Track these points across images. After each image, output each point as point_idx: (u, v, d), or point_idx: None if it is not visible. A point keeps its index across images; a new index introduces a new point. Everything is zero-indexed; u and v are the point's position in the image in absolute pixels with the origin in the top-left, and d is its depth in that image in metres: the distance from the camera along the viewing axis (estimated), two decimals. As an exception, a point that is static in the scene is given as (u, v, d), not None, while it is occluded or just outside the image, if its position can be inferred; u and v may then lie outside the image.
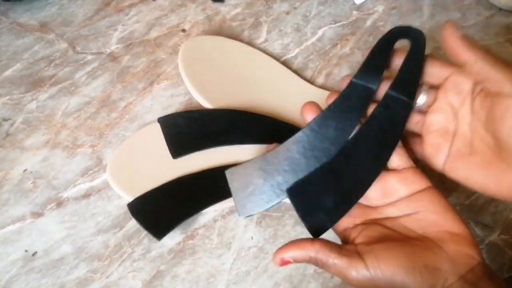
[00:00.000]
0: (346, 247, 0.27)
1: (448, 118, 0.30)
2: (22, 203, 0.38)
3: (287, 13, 0.50)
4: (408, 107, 0.30)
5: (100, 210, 0.38)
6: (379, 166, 0.29)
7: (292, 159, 0.30)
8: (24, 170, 0.39)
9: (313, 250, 0.26)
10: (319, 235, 0.29)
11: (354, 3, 0.51)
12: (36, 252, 0.36)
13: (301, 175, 0.30)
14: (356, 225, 0.29)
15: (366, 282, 0.25)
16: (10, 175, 0.39)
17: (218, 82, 0.43)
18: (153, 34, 0.48)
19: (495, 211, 0.39)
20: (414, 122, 0.32)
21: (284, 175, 0.30)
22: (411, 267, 0.25)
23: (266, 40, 0.48)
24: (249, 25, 0.49)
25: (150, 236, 0.36)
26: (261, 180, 0.30)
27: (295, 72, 0.45)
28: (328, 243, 0.26)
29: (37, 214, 0.38)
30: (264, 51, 0.46)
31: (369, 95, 0.31)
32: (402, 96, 0.30)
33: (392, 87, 0.31)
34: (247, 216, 0.30)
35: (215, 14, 0.49)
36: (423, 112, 0.31)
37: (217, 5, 0.50)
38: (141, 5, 0.50)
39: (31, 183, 0.39)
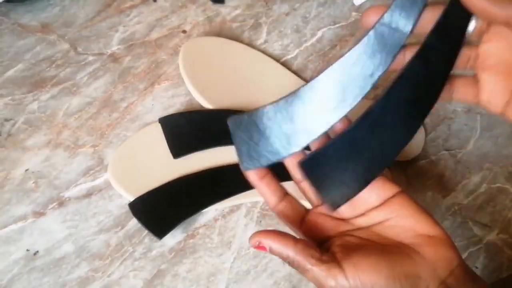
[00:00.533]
0: (325, 255, 0.25)
1: (509, 46, 0.24)
2: (24, 203, 0.38)
3: (287, 14, 0.50)
4: (451, 60, 0.25)
5: (101, 209, 0.38)
6: (408, 134, 0.26)
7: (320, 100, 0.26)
8: (26, 170, 0.40)
9: (293, 250, 0.25)
10: (336, 208, 0.27)
11: (353, 4, 0.51)
12: (37, 251, 0.36)
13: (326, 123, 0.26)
14: (330, 237, 0.28)
15: None
16: (12, 175, 0.39)
17: (219, 82, 0.43)
18: (154, 35, 0.48)
19: (493, 210, 0.39)
20: (464, 59, 0.26)
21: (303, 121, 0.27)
22: (391, 277, 0.24)
23: (266, 41, 0.48)
24: (249, 26, 0.49)
25: (151, 235, 0.36)
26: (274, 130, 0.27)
27: (295, 73, 0.46)
28: (311, 247, 0.25)
29: (39, 214, 0.38)
30: (264, 52, 0.47)
31: (401, 39, 0.26)
32: (445, 46, 0.25)
33: (433, 33, 0.25)
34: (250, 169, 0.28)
35: (215, 15, 0.50)
36: (474, 44, 0.25)
37: (218, 6, 0.50)
38: (142, 6, 0.50)
39: (33, 183, 0.39)
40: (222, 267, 0.36)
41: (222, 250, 0.37)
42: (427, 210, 0.27)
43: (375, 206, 0.27)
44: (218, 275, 0.36)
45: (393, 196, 0.27)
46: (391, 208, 0.27)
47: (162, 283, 0.35)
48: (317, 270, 0.24)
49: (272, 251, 0.25)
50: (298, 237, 0.26)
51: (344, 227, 0.28)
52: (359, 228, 0.27)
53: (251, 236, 0.26)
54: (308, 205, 0.29)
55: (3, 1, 0.48)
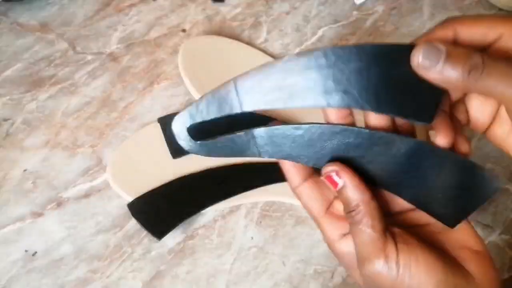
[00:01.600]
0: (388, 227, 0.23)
1: None
2: (22, 203, 0.38)
3: (287, 13, 0.50)
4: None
5: (100, 210, 0.38)
6: None
7: None
8: (24, 170, 0.39)
9: (367, 200, 0.22)
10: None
11: (354, 3, 0.51)
12: (36, 252, 0.36)
13: None
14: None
15: (381, 279, 0.21)
16: (10, 175, 0.39)
17: (218, 82, 0.43)
18: (153, 34, 0.48)
19: (495, 211, 0.39)
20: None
21: None
22: (442, 284, 0.21)
23: (266, 40, 0.48)
24: (249, 25, 0.49)
25: (150, 236, 0.36)
26: None
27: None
28: (381, 213, 0.22)
29: (37, 214, 0.38)
30: (264, 51, 0.46)
31: None
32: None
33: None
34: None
35: (215, 14, 0.49)
36: None
37: (217, 5, 0.50)
38: (141, 5, 0.50)
39: (31, 183, 0.39)
40: (222, 268, 0.36)
41: (221, 251, 0.37)
42: (470, 223, 0.25)
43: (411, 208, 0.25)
44: (217, 276, 0.36)
45: None
46: None
47: (161, 284, 0.35)
48: (374, 238, 0.22)
49: (342, 191, 0.22)
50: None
51: (401, 220, 0.25)
52: (416, 225, 0.25)
53: (327, 164, 0.23)
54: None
55: (1, 0, 0.48)
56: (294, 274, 0.36)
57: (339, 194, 0.23)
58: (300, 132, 0.24)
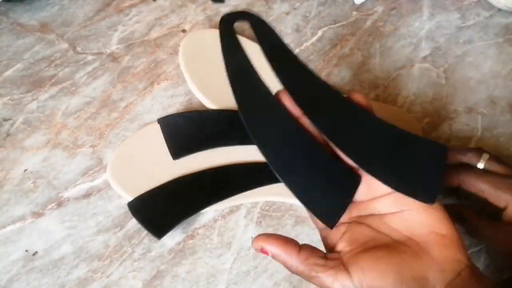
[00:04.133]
0: (330, 256, 0.26)
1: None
2: (23, 203, 0.38)
3: (287, 13, 0.50)
4: None
5: (101, 210, 0.38)
6: None
7: None
8: (25, 170, 0.39)
9: (298, 260, 0.25)
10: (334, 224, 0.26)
11: (353, 4, 0.51)
12: (36, 252, 0.36)
13: None
14: (340, 224, 0.27)
15: None
16: (11, 175, 0.39)
17: (219, 77, 0.43)
18: (154, 34, 0.48)
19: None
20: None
21: None
22: (399, 281, 0.24)
23: (266, 41, 0.48)
24: (249, 26, 0.49)
25: (150, 236, 0.36)
26: None
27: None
28: (314, 253, 0.25)
29: (38, 214, 0.38)
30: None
31: None
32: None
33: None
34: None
35: (215, 15, 0.49)
36: None
37: (217, 5, 0.50)
38: (142, 5, 0.50)
39: (32, 183, 0.39)
40: (222, 268, 0.36)
41: (221, 251, 0.37)
42: (441, 206, 0.26)
43: (389, 192, 0.26)
44: (217, 276, 0.36)
45: None
46: (406, 200, 0.26)
47: (161, 284, 0.35)
48: (323, 276, 0.24)
49: (274, 258, 0.26)
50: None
51: (356, 212, 0.28)
52: (371, 215, 0.27)
53: (253, 239, 0.26)
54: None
55: (2, 0, 0.48)
56: (294, 274, 0.36)
57: (276, 261, 0.26)
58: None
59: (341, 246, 0.26)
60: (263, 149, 0.26)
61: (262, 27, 0.29)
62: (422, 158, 0.26)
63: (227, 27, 0.29)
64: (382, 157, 0.26)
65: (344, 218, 0.27)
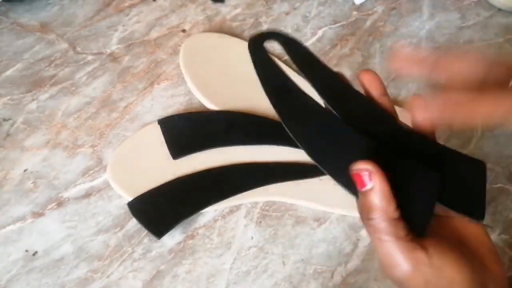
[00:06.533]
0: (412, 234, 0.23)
1: None
2: (23, 203, 0.38)
3: (287, 13, 0.50)
4: None
5: (101, 210, 0.38)
6: None
7: None
8: (25, 170, 0.39)
9: (387, 214, 0.21)
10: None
11: (353, 4, 0.51)
12: (36, 252, 0.36)
13: None
14: None
15: (412, 284, 0.22)
16: (11, 175, 0.39)
17: (219, 79, 0.43)
18: (154, 34, 0.48)
19: (495, 211, 0.39)
20: None
21: None
22: (469, 280, 0.22)
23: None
24: (249, 26, 0.49)
25: (150, 236, 0.36)
26: None
27: (296, 72, 0.45)
28: (403, 224, 0.22)
29: (38, 214, 0.38)
30: (264, 52, 0.46)
31: None
32: None
33: None
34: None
35: (215, 15, 0.49)
36: None
37: (217, 5, 0.50)
38: (142, 5, 0.50)
39: (32, 183, 0.39)
40: (222, 268, 0.36)
41: (221, 251, 0.37)
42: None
43: None
44: (217, 276, 0.36)
45: None
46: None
47: (161, 284, 0.35)
48: (397, 244, 0.21)
49: (371, 192, 0.22)
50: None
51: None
52: (447, 216, 0.25)
53: (361, 161, 0.22)
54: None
55: (2, 0, 0.48)
56: (294, 274, 0.36)
57: (363, 196, 0.22)
58: None
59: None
60: (317, 157, 0.25)
61: (292, 45, 0.29)
62: (465, 174, 0.25)
63: (258, 45, 0.29)
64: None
65: None
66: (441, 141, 0.42)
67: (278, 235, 0.37)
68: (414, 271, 0.21)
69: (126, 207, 0.37)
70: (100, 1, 0.50)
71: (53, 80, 0.44)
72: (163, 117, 0.41)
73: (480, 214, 0.24)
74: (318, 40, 0.48)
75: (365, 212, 0.22)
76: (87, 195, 0.39)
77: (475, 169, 0.26)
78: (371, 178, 0.21)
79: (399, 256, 0.21)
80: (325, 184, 0.38)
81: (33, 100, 0.43)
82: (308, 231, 0.37)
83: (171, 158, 0.38)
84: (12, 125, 0.42)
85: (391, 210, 0.21)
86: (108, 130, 0.42)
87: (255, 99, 0.42)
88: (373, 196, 0.22)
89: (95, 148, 0.41)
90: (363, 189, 0.22)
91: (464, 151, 0.27)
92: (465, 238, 0.25)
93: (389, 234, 0.21)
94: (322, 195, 0.38)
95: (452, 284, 0.22)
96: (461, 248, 0.23)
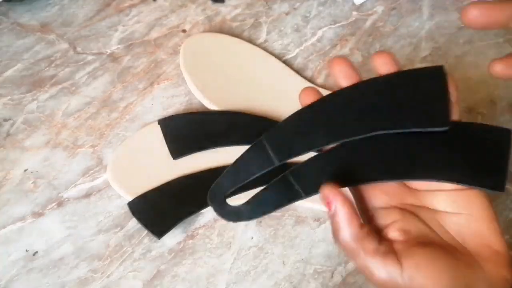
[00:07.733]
0: (384, 242, 0.23)
1: None
2: (23, 203, 0.38)
3: (287, 13, 0.50)
4: None
5: (101, 210, 0.38)
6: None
7: None
8: (25, 170, 0.40)
9: (354, 234, 0.22)
10: None
11: (353, 4, 0.51)
12: (36, 252, 0.36)
13: None
14: (391, 207, 0.25)
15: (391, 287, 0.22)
16: (11, 175, 0.39)
17: (219, 79, 0.43)
18: (154, 34, 0.48)
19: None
20: None
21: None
22: (451, 286, 0.22)
23: (266, 41, 0.48)
24: (249, 26, 0.49)
25: (151, 236, 0.36)
26: None
27: (296, 71, 0.45)
28: (371, 237, 0.23)
29: (38, 214, 0.38)
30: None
31: None
32: None
33: None
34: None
35: (215, 15, 0.49)
36: None
37: (217, 5, 0.50)
38: (142, 5, 0.50)
39: (32, 183, 0.39)
40: (222, 267, 0.36)
41: (222, 251, 0.37)
42: (498, 219, 0.24)
43: (451, 189, 0.24)
44: (218, 276, 0.36)
45: (473, 189, 0.24)
46: (466, 203, 0.24)
47: (161, 284, 0.35)
48: (371, 260, 0.22)
49: (333, 216, 0.23)
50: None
51: (410, 199, 0.25)
52: (425, 208, 0.25)
53: (326, 184, 0.23)
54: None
55: (2, 0, 0.48)
56: (294, 274, 0.36)
57: (330, 218, 0.24)
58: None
59: (394, 235, 0.24)
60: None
61: None
62: (483, 144, 0.24)
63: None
64: (437, 156, 0.24)
65: (397, 202, 0.25)
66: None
67: (278, 235, 0.37)
68: (388, 282, 0.22)
69: (126, 207, 0.37)
70: (100, 1, 0.50)
71: (53, 80, 0.44)
72: (163, 117, 0.41)
73: (498, 184, 0.23)
74: (318, 40, 0.48)
75: (334, 233, 0.24)
76: (87, 195, 0.39)
77: (495, 137, 0.24)
78: (331, 203, 0.23)
79: (373, 269, 0.22)
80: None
81: (33, 100, 0.43)
82: (308, 231, 0.37)
83: (171, 158, 0.38)
84: (12, 125, 0.42)
85: (355, 229, 0.23)
86: (108, 130, 0.42)
87: (255, 99, 0.42)
88: (336, 218, 0.23)
89: (95, 148, 0.41)
90: (329, 214, 0.24)
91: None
92: (462, 236, 0.24)
93: (358, 251, 0.23)
94: (322, 195, 0.38)
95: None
96: (445, 252, 0.23)
